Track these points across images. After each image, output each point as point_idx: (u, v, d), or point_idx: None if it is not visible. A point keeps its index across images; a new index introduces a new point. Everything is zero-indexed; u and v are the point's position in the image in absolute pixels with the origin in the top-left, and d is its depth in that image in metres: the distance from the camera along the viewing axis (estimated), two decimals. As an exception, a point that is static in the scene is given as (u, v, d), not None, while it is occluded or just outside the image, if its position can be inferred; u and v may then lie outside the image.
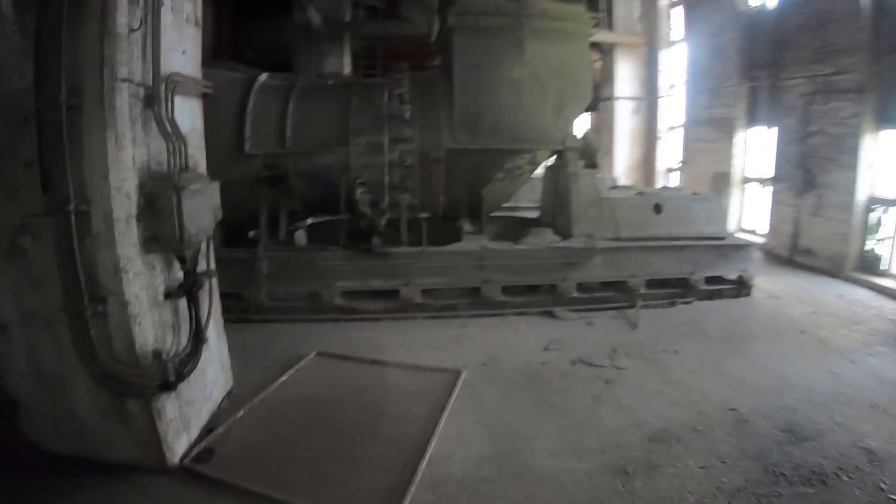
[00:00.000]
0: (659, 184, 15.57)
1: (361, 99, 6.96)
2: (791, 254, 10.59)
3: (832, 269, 9.59)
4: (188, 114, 4.09)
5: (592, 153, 8.16)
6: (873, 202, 9.23)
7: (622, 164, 16.19)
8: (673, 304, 7.59)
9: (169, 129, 3.62)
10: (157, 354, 3.57)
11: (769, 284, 8.80)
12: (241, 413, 4.37)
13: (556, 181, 8.23)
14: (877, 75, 8.74)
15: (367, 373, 5.29)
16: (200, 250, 3.95)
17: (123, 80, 3.27)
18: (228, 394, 4.75)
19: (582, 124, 24.95)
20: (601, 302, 7.32)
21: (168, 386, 3.54)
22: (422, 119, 6.90)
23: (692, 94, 14.00)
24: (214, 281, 4.27)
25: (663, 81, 15.57)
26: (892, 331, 6.93)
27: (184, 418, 3.90)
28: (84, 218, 3.25)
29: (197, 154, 4.23)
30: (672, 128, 15.31)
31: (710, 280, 7.96)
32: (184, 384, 3.74)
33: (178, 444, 3.81)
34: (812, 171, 10.10)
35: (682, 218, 8.01)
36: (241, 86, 6.93)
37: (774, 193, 11.21)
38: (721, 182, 12.47)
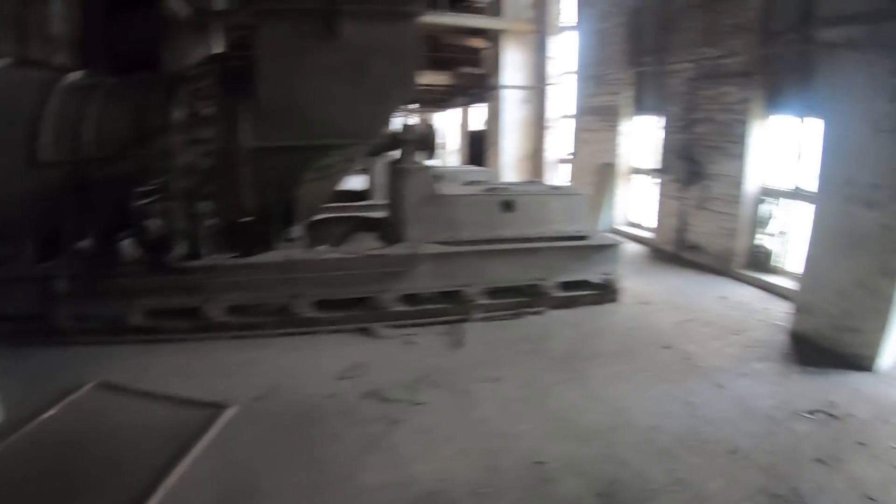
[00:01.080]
0: (549, 176, 14.70)
1: (162, 96, 5.98)
2: (677, 250, 9.60)
3: (720, 267, 8.61)
4: None
5: (431, 144, 7.15)
6: (763, 194, 8.25)
7: (510, 155, 15.16)
8: (519, 315, 6.57)
9: None
10: None
11: (644, 287, 7.74)
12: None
13: (392, 178, 7.14)
14: (766, 58, 7.82)
15: (134, 407, 4.43)
16: None
17: None
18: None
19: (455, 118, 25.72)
20: (431, 315, 6.32)
21: None
22: (227, 116, 5.92)
23: (581, 83, 13.06)
24: None
25: (554, 69, 14.57)
26: (775, 341, 5.93)
27: None
28: None
29: None
30: (563, 117, 14.34)
31: (570, 286, 6.99)
32: None
33: None
34: (698, 162, 9.09)
35: (536, 216, 7.16)
36: (39, 87, 6.01)
37: (660, 185, 10.25)
38: (606, 174, 11.59)
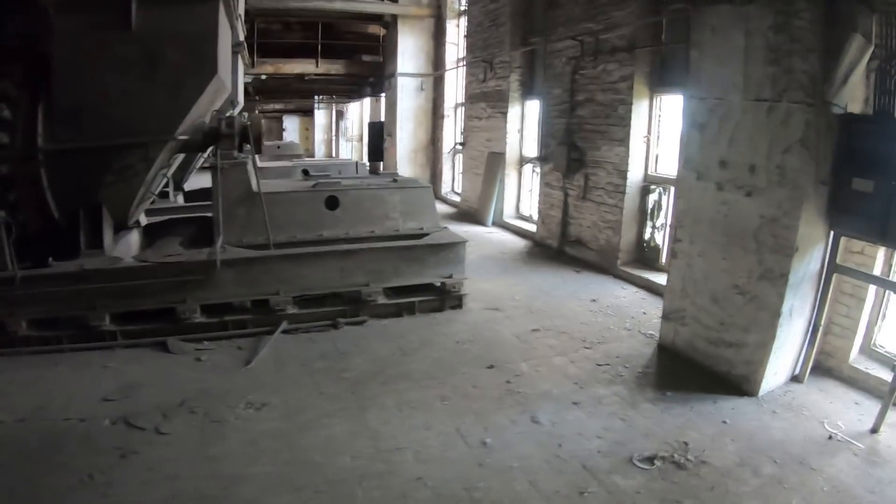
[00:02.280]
0: (446, 168, 13.79)
1: None
2: (561, 245, 8.69)
3: (604, 264, 7.75)
4: None
5: (256, 138, 6.27)
6: (649, 182, 7.39)
7: (406, 146, 14.31)
8: (336, 326, 5.70)
9: None
10: None
11: (503, 289, 6.87)
12: None
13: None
14: (650, 28, 7.01)
15: None
16: None
17: None
18: None
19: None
20: (235, 328, 5.60)
21: None
22: (26, 118, 5.49)
23: (469, 68, 12.16)
24: None
25: (450, 55, 13.53)
26: (636, 356, 5.01)
27: None
28: None
29: None
30: (459, 105, 13.35)
31: (403, 291, 6.11)
32: None
33: None
34: (579, 148, 8.21)
35: (367, 213, 6.43)
36: None
37: (542, 175, 9.30)
38: (495, 164, 10.55)
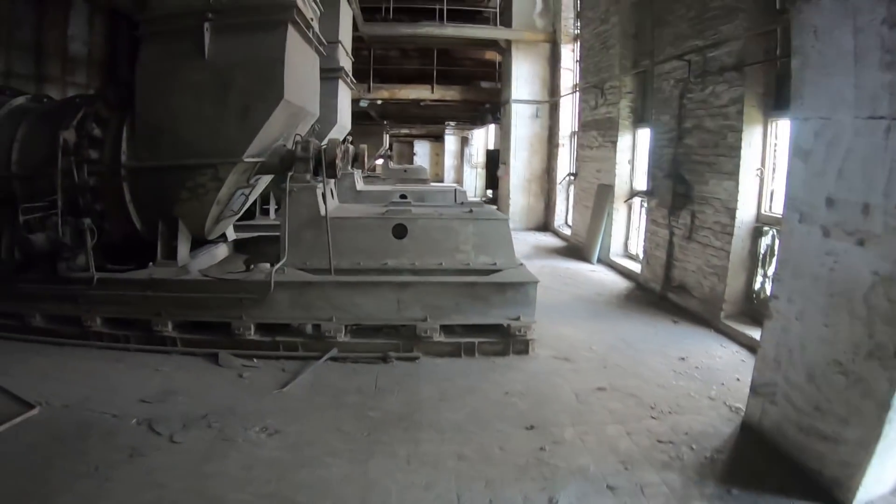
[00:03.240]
0: (559, 198, 12.92)
1: (67, 118, 6.16)
2: (663, 289, 7.77)
3: (706, 314, 6.79)
4: None
5: (330, 162, 6.27)
6: (762, 223, 6.38)
7: (519, 175, 13.82)
8: (386, 360, 5.40)
9: None
10: None
11: (584, 336, 6.19)
12: None
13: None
14: (762, 41, 6.11)
15: None
16: None
17: None
18: None
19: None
20: (287, 349, 5.56)
21: None
22: (114, 137, 5.96)
23: (583, 94, 11.55)
24: None
25: (566, 81, 12.92)
26: (710, 435, 4.09)
27: None
28: None
29: None
30: (572, 133, 12.72)
31: (467, 330, 5.67)
32: None
33: None
34: (686, 182, 7.35)
35: (436, 244, 6.04)
36: None
37: (648, 211, 8.45)
38: (604, 197, 9.79)
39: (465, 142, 25.91)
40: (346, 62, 10.23)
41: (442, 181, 31.59)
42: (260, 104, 5.52)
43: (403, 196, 10.35)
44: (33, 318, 6.07)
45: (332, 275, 5.67)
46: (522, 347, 5.52)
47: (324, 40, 6.90)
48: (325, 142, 6.49)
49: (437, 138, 33.30)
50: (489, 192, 20.57)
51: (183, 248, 6.28)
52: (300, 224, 6.00)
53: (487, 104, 16.15)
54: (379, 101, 16.20)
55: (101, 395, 4.63)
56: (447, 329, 5.54)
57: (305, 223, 6.00)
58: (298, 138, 6.30)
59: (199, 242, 6.91)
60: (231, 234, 7.72)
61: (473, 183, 24.82)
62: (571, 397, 4.64)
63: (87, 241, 5.85)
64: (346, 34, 10.33)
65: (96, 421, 4.19)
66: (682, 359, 5.51)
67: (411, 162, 34.49)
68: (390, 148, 32.64)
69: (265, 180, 7.06)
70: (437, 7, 13.40)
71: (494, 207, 15.98)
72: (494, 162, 16.02)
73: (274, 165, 6.27)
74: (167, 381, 4.94)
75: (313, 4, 6.52)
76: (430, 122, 23.91)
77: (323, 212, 5.95)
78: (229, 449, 3.80)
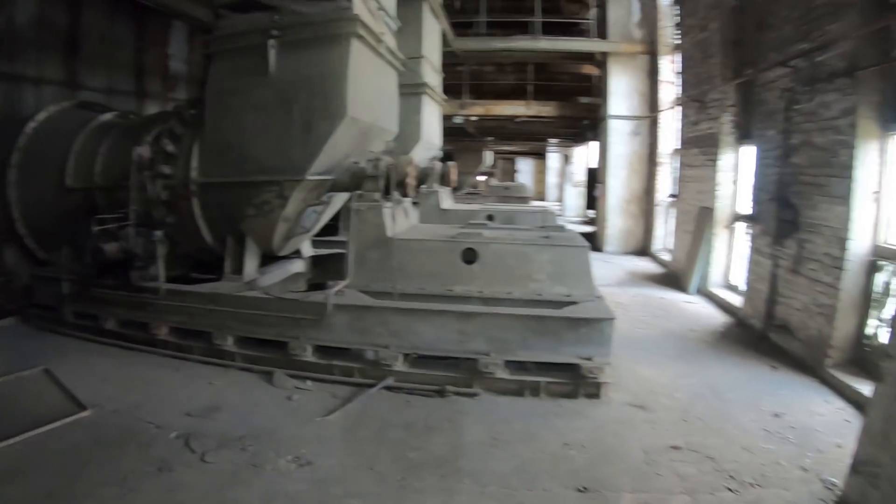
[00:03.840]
0: (659, 222, 12.12)
1: (143, 134, 6.56)
2: (765, 328, 6.94)
3: (809, 360, 5.94)
4: None
5: (400, 181, 6.17)
6: (879, 256, 5.50)
7: (617, 196, 13.10)
8: (443, 393, 5.01)
9: None
10: None
11: (667, 380, 5.52)
12: None
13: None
14: (878, 42, 5.27)
15: (38, 388, 5.14)
16: None
17: None
18: None
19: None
20: (342, 373, 5.37)
21: None
22: (186, 153, 6.17)
23: (683, 108, 10.73)
24: None
25: (666, 95, 12.06)
26: None
27: None
28: None
29: None
30: (674, 151, 11.84)
31: (535, 367, 5.15)
32: None
33: None
34: (793, 206, 6.53)
35: (508, 271, 5.68)
36: (77, 126, 7.24)
37: (752, 238, 7.68)
38: (704, 221, 9.04)
39: (566, 159, 25.26)
40: (432, 77, 10.07)
41: (544, 200, 31.06)
42: (323, 121, 5.42)
43: (490, 217, 10.05)
44: (106, 322, 6.44)
45: (393, 300, 5.47)
46: (593, 390, 4.95)
47: (400, 55, 6.76)
48: (384, 160, 6.32)
49: (540, 156, 32.74)
50: (589, 213, 19.87)
51: (250, 264, 6.33)
52: (366, 244, 5.86)
53: (585, 120, 15.50)
54: (473, 118, 15.99)
55: (152, 403, 4.77)
56: (512, 364, 5.10)
57: (371, 244, 5.84)
58: (374, 156, 6.19)
59: (275, 258, 6.97)
60: (307, 251, 7.71)
61: (574, 203, 24.07)
62: (638, 455, 4.08)
63: (158, 253, 6.08)
64: (432, 49, 10.17)
65: (139, 429, 4.31)
66: (777, 415, 4.78)
67: (514, 179, 34.19)
68: (494, 165, 32.48)
69: (342, 197, 6.96)
70: (532, 20, 13.03)
71: (591, 229, 15.49)
72: (593, 181, 15.40)
73: (344, 183, 6.16)
74: (217, 395, 4.97)
75: (387, 19, 6.39)
76: (529, 138, 23.49)
77: (389, 232, 5.78)
78: (255, 476, 3.70)
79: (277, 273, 6.70)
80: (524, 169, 38.19)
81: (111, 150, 6.77)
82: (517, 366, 5.08)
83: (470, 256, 5.66)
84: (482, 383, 5.01)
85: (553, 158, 30.43)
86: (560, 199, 27.39)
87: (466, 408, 4.78)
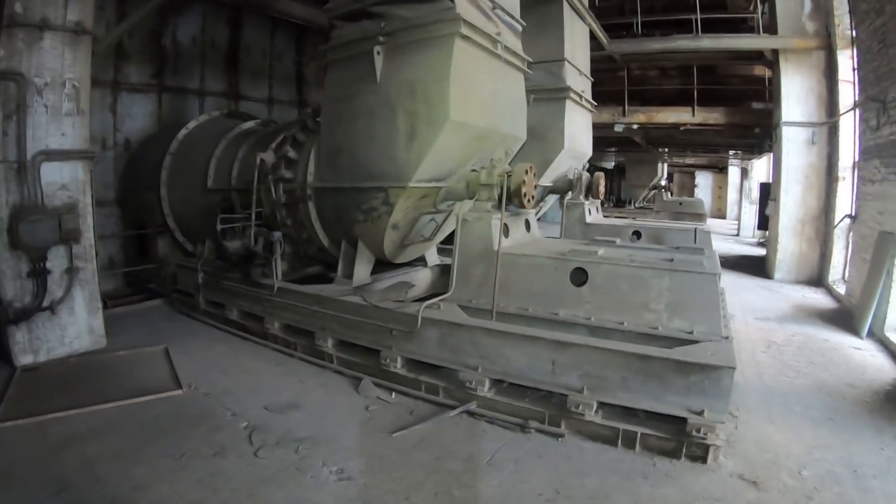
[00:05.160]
0: (838, 247, 10.50)
1: (269, 139, 7.04)
2: None
3: None
4: (64, 171, 6.02)
5: (515, 191, 5.72)
6: None
7: (791, 215, 11.35)
8: (525, 428, 4.44)
9: (29, 185, 5.69)
10: (10, 303, 5.63)
11: (797, 449, 4.35)
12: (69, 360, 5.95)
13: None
14: None
15: (150, 363, 5.86)
16: (50, 253, 5.88)
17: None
18: (98, 351, 6.24)
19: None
20: (428, 390, 5.08)
21: (10, 321, 5.65)
22: (305, 159, 6.44)
23: (862, 111, 9.06)
24: (85, 274, 6.19)
25: (846, 97, 10.27)
26: None
27: (33, 345, 5.86)
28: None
29: (76, 193, 6.11)
30: (855, 163, 10.06)
31: (634, 413, 4.35)
32: (37, 328, 5.87)
33: (23, 358, 5.80)
34: None
35: (621, 297, 5.06)
36: (221, 133, 8.05)
37: None
38: (884, 248, 7.56)
39: (744, 173, 22.95)
40: (577, 82, 9.47)
41: (724, 217, 28.75)
42: (426, 126, 5.22)
43: (636, 233, 9.31)
44: (230, 312, 7.08)
45: (491, 319, 5.08)
46: (699, 452, 3.99)
47: (526, 56, 6.37)
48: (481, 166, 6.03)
49: (721, 169, 30.26)
50: (761, 234, 17.90)
51: (360, 269, 6.36)
52: (471, 257, 5.60)
53: (757, 128, 13.87)
54: (635, 126, 15.05)
55: (240, 391, 5.10)
56: (610, 406, 4.39)
57: (477, 257, 5.57)
58: (495, 162, 5.87)
59: (398, 264, 7.05)
60: (433, 259, 7.60)
61: (752, 221, 21.67)
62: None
63: (277, 252, 6.43)
64: (578, 52, 9.56)
65: (216, 414, 4.65)
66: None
67: (692, 194, 32.12)
68: (670, 178, 30.67)
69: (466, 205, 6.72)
70: (693, 17, 11.80)
71: (762, 252, 13.87)
72: (765, 198, 13.84)
73: (459, 192, 5.91)
74: (301, 394, 5.10)
75: (506, 18, 6.02)
76: (704, 149, 21.77)
77: (496, 245, 5.42)
78: (292, 480, 3.70)
79: (388, 280, 6.65)
80: (703, 184, 35.55)
81: (246, 156, 7.22)
82: (616, 408, 4.38)
83: (580, 277, 5.13)
84: (570, 424, 4.35)
85: (733, 173, 27.90)
86: (738, 218, 25.00)
87: (544, 449, 4.19)
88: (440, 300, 5.26)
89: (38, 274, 5.85)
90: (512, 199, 5.72)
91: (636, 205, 23.71)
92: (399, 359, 5.24)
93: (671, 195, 24.41)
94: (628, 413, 4.30)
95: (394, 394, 5.07)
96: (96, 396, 4.90)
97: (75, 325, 6.22)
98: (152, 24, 9.40)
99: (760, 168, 21.22)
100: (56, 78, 5.87)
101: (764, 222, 13.93)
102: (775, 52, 11.24)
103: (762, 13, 12.23)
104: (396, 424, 4.49)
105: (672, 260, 5.10)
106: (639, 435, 4.15)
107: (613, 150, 22.96)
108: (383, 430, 4.39)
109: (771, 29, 11.23)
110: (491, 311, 5.22)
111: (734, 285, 10.41)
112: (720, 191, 32.56)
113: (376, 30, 5.44)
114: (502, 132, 6.06)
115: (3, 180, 5.66)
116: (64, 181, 6.03)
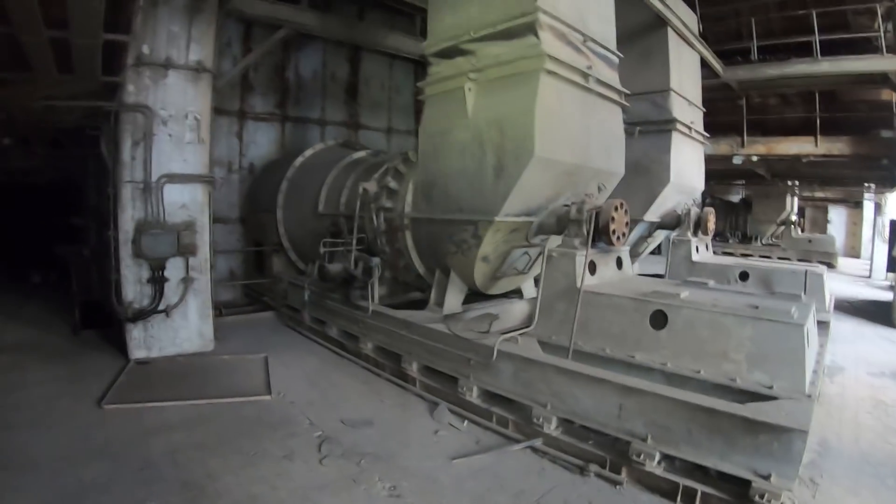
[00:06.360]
0: None
1: (374, 170, 7.63)
2: None
3: None
4: (184, 193, 6.93)
5: (603, 227, 5.73)
6: None
7: None
8: (584, 471, 4.39)
9: (153, 203, 6.68)
10: (130, 304, 6.61)
11: None
12: (178, 359, 6.83)
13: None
14: None
15: (249, 369, 6.53)
16: (168, 264, 6.81)
17: (128, 182, 6.60)
18: (205, 353, 7.08)
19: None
20: (499, 422, 5.18)
21: (129, 319, 6.60)
22: (404, 189, 6.87)
23: None
24: (199, 284, 7.09)
25: None
26: None
27: (147, 343, 6.79)
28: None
29: (195, 212, 7.02)
30: None
31: (698, 469, 4.13)
32: (152, 327, 6.79)
33: (137, 352, 6.72)
34: None
35: (699, 344, 4.84)
36: (334, 161, 8.78)
37: None
38: None
39: (877, 208, 20.88)
40: (686, 112, 9.17)
41: (858, 256, 26.43)
42: (513, 161, 5.36)
43: (744, 274, 8.87)
44: (331, 329, 7.62)
45: (567, 357, 5.13)
46: None
47: (622, 89, 6.36)
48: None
49: (856, 204, 27.76)
50: (894, 276, 16.22)
51: (451, 298, 6.57)
52: (555, 293, 5.64)
53: (885, 159, 12.79)
54: (755, 158, 14.33)
55: (323, 403, 5.52)
56: (672, 457, 4.24)
57: (561, 293, 5.60)
58: (587, 197, 5.90)
59: (493, 295, 7.22)
60: (529, 291, 7.72)
61: (884, 262, 19.66)
62: None
63: (374, 277, 6.86)
64: (686, 81, 9.22)
65: (296, 421, 5.08)
66: None
67: (825, 231, 29.93)
68: (801, 213, 28.74)
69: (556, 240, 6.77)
70: (812, 39, 11.14)
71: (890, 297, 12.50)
72: (894, 237, 12.72)
73: (551, 226, 5.98)
74: (378, 412, 5.41)
75: (602, 50, 6.05)
76: (829, 181, 20.23)
77: (579, 283, 5.44)
78: (345, 491, 3.99)
79: (478, 310, 6.80)
80: (836, 220, 32.75)
81: (354, 184, 7.73)
82: (680, 460, 4.22)
83: (659, 321, 5.03)
84: (631, 472, 4.24)
85: (868, 208, 25.51)
86: (871, 257, 22.82)
87: (598, 495, 4.08)
88: (518, 334, 5.38)
89: (157, 281, 6.71)
90: (601, 235, 5.71)
91: (763, 241, 22.36)
92: (475, 388, 5.41)
93: (801, 231, 22.90)
94: (692, 466, 4.15)
95: (466, 422, 5.22)
96: (194, 392, 5.58)
97: (186, 329, 7.02)
98: (276, 59, 10.30)
99: (894, 203, 19.45)
100: (179, 111, 6.79)
101: (893, 264, 12.83)
102: (896, 72, 10.33)
103: (885, 31, 11.35)
104: (460, 451, 4.64)
105: (758, 307, 4.85)
106: (699, 493, 3.95)
107: (739, 182, 21.88)
108: (445, 456, 4.56)
109: (894, 49, 10.41)
110: (579, 350, 5.27)
111: (852, 334, 9.60)
112: (854, 227, 29.86)
113: (468, 66, 5.70)
114: (595, 167, 6.06)
115: (130, 198, 6.56)
116: (184, 201, 6.88)
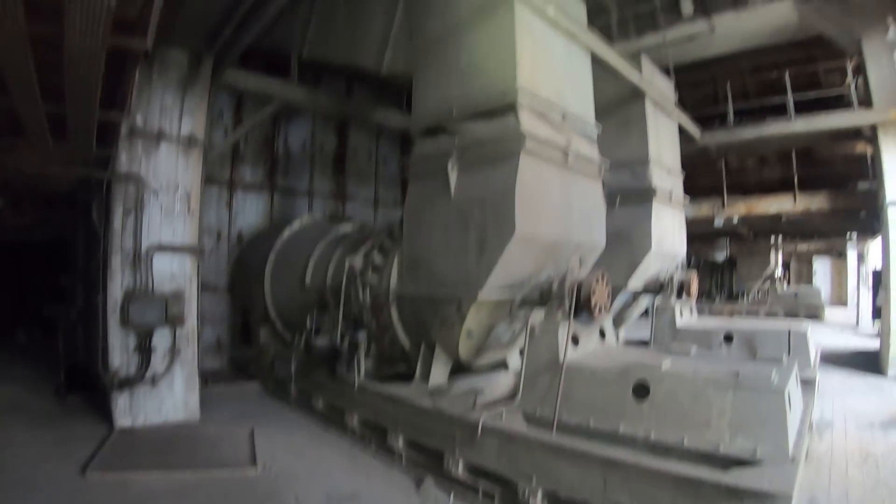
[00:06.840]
0: None
1: (360, 244, 7.75)
2: None
3: None
4: (173, 263, 7.07)
5: (584, 301, 5.77)
6: None
7: None
8: None
9: (142, 272, 6.79)
10: (116, 372, 6.57)
11: None
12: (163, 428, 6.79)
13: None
14: None
15: (235, 443, 6.40)
16: (155, 333, 6.84)
17: (118, 250, 6.71)
18: (191, 424, 7.03)
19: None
20: (485, 496, 5.20)
21: (115, 388, 6.57)
22: (389, 265, 6.95)
23: None
24: (186, 354, 7.14)
25: None
26: None
27: (132, 411, 6.75)
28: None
29: (183, 282, 7.12)
30: None
31: None
32: (138, 396, 6.76)
33: (122, 420, 6.67)
34: None
35: (682, 413, 4.86)
36: (320, 235, 9.00)
37: None
38: None
39: (860, 258, 21.20)
40: (665, 181, 9.30)
41: (846, 305, 26.68)
42: (495, 239, 5.50)
43: (728, 337, 8.91)
44: (317, 403, 7.56)
45: (552, 431, 5.12)
46: None
47: (601, 162, 6.57)
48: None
49: (840, 254, 28.25)
50: (876, 326, 16.38)
51: (437, 372, 6.59)
52: (539, 367, 5.62)
53: (863, 210, 13.05)
54: (735, 219, 14.60)
55: (308, 478, 5.47)
56: None
57: (544, 367, 5.58)
58: (567, 271, 5.99)
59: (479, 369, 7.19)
60: (515, 363, 7.60)
61: (869, 310, 19.84)
62: None
63: (360, 351, 6.86)
64: (665, 149, 9.39)
65: (281, 496, 5.06)
66: None
67: (810, 282, 30.30)
68: (786, 267, 29.09)
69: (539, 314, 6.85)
70: (785, 100, 11.55)
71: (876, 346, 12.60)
72: (878, 286, 12.90)
73: (533, 300, 6.06)
74: (364, 487, 5.36)
75: (581, 125, 6.30)
76: (811, 235, 20.61)
77: (561, 356, 5.47)
78: None
79: (463, 384, 6.77)
80: (821, 270, 33.16)
81: (340, 258, 7.85)
82: None
83: (641, 392, 5.06)
84: None
85: (852, 257, 25.88)
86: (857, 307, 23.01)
87: None
88: (502, 409, 5.39)
89: (144, 350, 6.74)
90: (583, 308, 5.77)
91: (749, 298, 22.56)
92: (461, 462, 5.39)
93: (787, 286, 23.15)
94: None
95: (452, 496, 5.21)
96: (179, 463, 5.58)
97: (172, 399, 7.01)
98: (266, 130, 10.58)
99: (877, 251, 19.75)
100: (170, 182, 6.96)
101: (878, 312, 12.98)
102: (873, 128, 10.54)
103: (855, 86, 11.71)
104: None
105: (738, 374, 4.95)
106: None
107: (724, 240, 22.25)
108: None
109: (866, 102, 10.70)
110: (536, 421, 5.30)
111: (841, 386, 9.65)
112: (840, 277, 30.34)
113: (450, 145, 5.91)
114: (576, 241, 6.21)
115: (120, 266, 6.65)
116: (173, 271, 6.98)
